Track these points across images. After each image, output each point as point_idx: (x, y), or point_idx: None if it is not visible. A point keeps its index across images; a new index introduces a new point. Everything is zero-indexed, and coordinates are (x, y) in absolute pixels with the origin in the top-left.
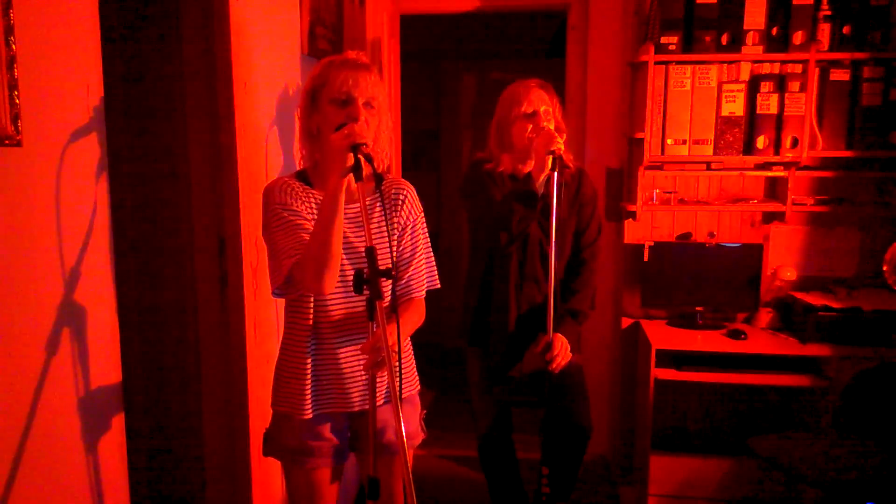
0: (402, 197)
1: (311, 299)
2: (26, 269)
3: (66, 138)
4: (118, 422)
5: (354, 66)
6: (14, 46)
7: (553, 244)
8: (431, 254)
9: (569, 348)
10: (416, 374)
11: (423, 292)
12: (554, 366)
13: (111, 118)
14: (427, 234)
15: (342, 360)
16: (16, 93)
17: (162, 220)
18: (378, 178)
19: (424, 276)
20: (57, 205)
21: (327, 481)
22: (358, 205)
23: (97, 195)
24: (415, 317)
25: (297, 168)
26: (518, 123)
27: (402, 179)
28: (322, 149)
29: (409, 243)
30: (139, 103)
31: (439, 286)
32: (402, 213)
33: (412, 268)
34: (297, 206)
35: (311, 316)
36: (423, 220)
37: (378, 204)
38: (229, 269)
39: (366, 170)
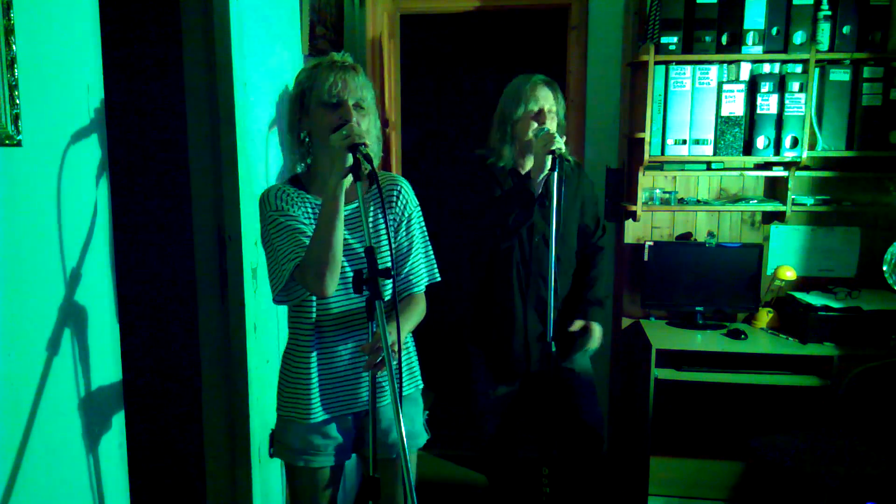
0: (395, 193)
1: (314, 302)
2: (26, 270)
3: (67, 138)
4: (118, 422)
5: (342, 67)
6: (14, 46)
7: (554, 241)
8: (430, 247)
9: (601, 337)
10: (418, 371)
11: (423, 287)
12: (588, 346)
13: (111, 118)
14: (424, 228)
15: (346, 360)
16: (16, 93)
17: (162, 220)
18: (371, 177)
19: (423, 271)
20: (57, 205)
21: (331, 479)
22: (353, 205)
23: (97, 195)
24: (415, 312)
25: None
26: (524, 120)
27: (395, 175)
28: (317, 152)
29: (406, 238)
30: (139, 103)
31: (440, 279)
32: (397, 209)
33: (409, 262)
34: (294, 212)
35: (314, 316)
36: (420, 213)
37: (373, 203)
38: (229, 269)
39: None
